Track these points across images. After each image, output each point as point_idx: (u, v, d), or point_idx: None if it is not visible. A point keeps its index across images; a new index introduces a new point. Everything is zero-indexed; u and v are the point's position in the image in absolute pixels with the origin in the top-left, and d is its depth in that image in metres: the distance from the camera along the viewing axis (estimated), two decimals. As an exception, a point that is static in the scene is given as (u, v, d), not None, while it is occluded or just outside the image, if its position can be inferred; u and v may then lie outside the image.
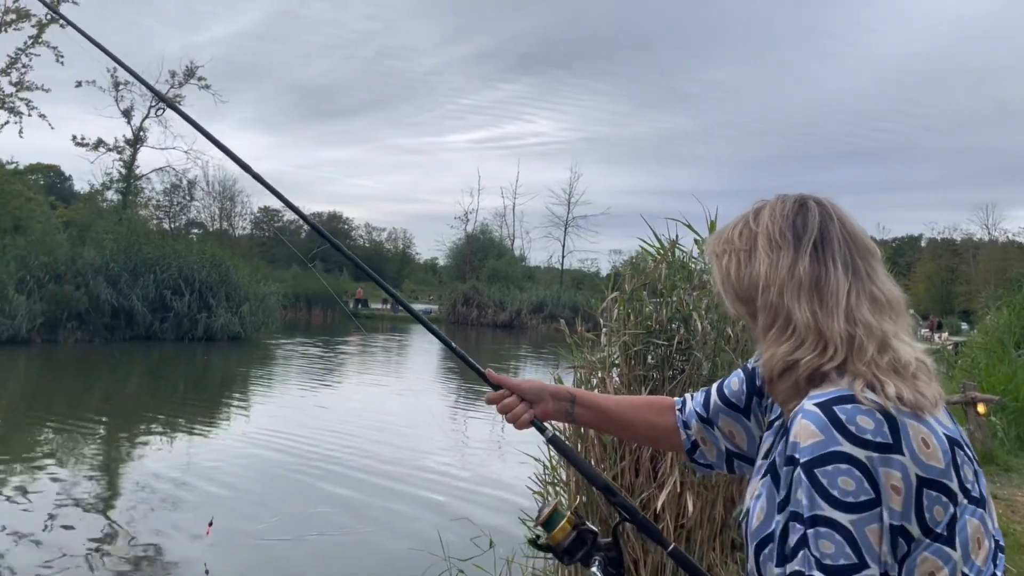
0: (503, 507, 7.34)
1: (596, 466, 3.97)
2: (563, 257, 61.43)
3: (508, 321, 47.01)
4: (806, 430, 1.14)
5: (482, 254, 58.41)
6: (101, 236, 27.71)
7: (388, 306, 50.92)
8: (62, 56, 29.61)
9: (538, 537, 1.55)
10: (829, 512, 1.11)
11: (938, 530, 1.13)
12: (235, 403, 15.25)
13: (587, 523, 1.55)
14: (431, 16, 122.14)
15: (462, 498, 8.03)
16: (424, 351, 29.68)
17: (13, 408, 13.52)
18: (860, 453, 1.11)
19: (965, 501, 1.15)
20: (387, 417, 13.55)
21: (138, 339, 24.56)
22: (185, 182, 54.20)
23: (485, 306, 48.40)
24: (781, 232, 1.28)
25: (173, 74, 36.60)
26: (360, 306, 50.52)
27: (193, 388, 17.82)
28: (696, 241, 4.38)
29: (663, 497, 3.73)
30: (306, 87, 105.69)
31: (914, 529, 1.12)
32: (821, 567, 1.11)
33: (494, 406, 1.71)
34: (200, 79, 36.59)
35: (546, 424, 1.70)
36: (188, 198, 57.59)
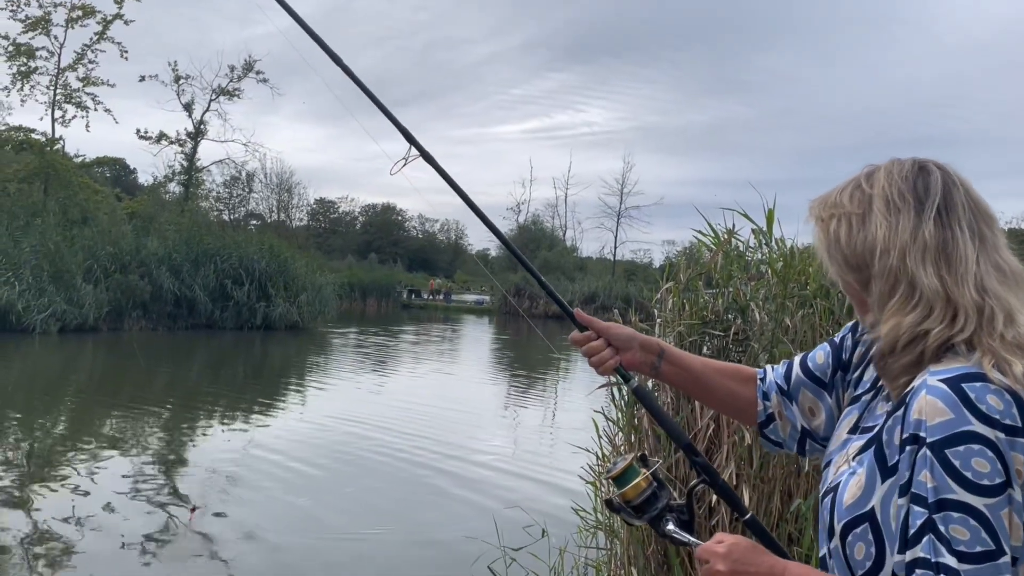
0: (554, 497, 7.35)
1: (649, 457, 3.94)
2: (615, 248, 61.16)
3: (560, 312, 46.83)
4: (933, 407, 1.09)
5: (534, 245, 58.41)
6: (164, 227, 28.50)
7: (440, 297, 51.33)
8: (126, 51, 30.57)
9: (611, 495, 1.50)
10: (962, 495, 1.05)
11: None
12: (294, 390, 15.56)
13: (662, 481, 1.49)
14: (480, 6, 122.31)
15: (513, 488, 8.06)
16: (476, 340, 29.85)
17: (82, 393, 14.03)
18: (991, 433, 1.06)
19: None
20: (440, 405, 13.67)
21: (199, 327, 25.20)
22: (244, 174, 55.39)
23: (536, 297, 48.40)
24: (901, 194, 1.21)
25: (232, 68, 37.40)
26: (414, 296, 50.98)
27: (253, 375, 18.24)
28: (754, 231, 4.31)
29: (718, 489, 3.68)
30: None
31: None
32: (956, 554, 1.05)
33: (578, 349, 1.65)
34: (258, 72, 37.31)
35: (631, 373, 1.64)
36: (247, 190, 58.89)
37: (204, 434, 10.81)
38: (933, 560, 1.07)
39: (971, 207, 1.21)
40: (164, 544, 6.14)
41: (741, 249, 4.37)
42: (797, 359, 1.55)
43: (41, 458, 8.92)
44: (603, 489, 4.27)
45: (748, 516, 1.55)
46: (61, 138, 30.98)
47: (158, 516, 6.76)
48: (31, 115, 77.81)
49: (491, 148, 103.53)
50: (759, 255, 4.34)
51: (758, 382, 1.58)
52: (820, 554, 1.34)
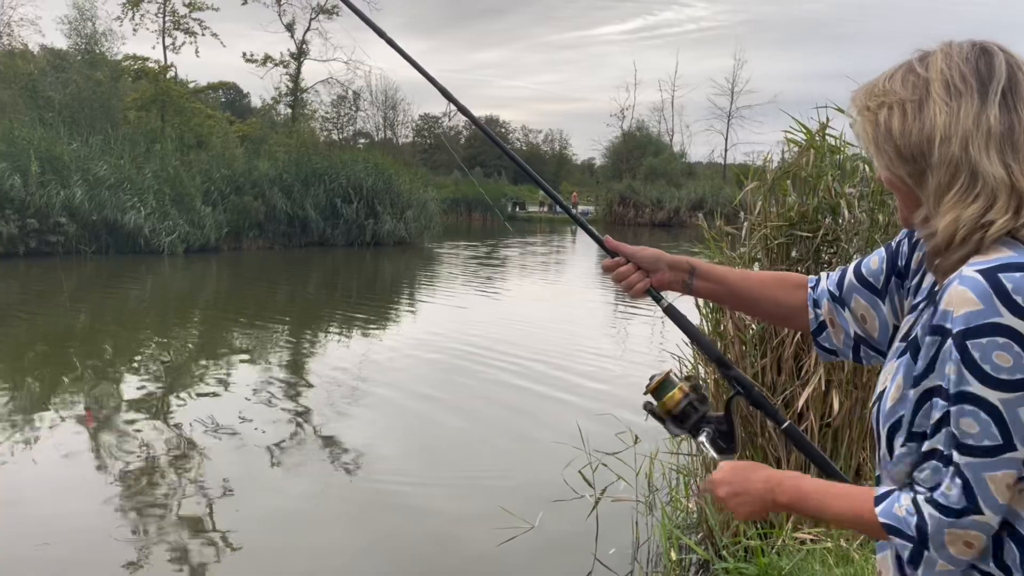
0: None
1: (737, 364, 3.87)
2: (726, 151, 58.94)
3: (667, 220, 46.06)
4: (961, 297, 1.04)
5: (639, 152, 57.06)
6: (273, 149, 29.37)
7: (545, 208, 51.13)
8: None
9: (649, 404, 1.54)
10: (977, 389, 1.02)
11: None
12: (404, 303, 16.14)
13: (702, 393, 1.52)
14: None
15: (610, 398, 8.12)
16: (583, 252, 29.76)
17: (210, 309, 14.97)
18: (1021, 326, 1.01)
19: None
20: (545, 316, 13.86)
21: (313, 245, 26.17)
22: (351, 93, 55.96)
23: (642, 205, 47.59)
24: (963, 77, 1.11)
25: (330, -17, 37.41)
26: (518, 209, 51.02)
27: (367, 290, 18.95)
28: (850, 124, 4.03)
29: (806, 395, 3.59)
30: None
31: None
32: (960, 447, 1.04)
33: (609, 274, 1.67)
34: (356, -13, 37.15)
35: (662, 294, 1.66)
36: (354, 109, 59.57)
37: (323, 346, 11.42)
38: (944, 453, 1.08)
39: None
40: (287, 451, 6.59)
41: (835, 144, 4.11)
42: (852, 264, 1.47)
43: (177, 370, 9.63)
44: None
45: (785, 425, 1.52)
46: (172, 65, 32.13)
47: (283, 426, 7.22)
48: (144, 44, 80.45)
49: (592, 52, 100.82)
50: (854, 151, 4.07)
51: (809, 289, 1.52)
52: (877, 473, 1.29)
